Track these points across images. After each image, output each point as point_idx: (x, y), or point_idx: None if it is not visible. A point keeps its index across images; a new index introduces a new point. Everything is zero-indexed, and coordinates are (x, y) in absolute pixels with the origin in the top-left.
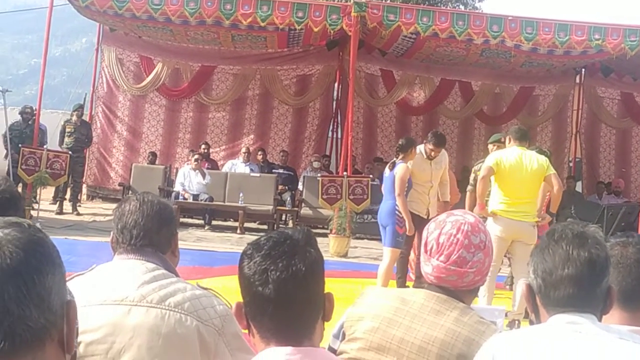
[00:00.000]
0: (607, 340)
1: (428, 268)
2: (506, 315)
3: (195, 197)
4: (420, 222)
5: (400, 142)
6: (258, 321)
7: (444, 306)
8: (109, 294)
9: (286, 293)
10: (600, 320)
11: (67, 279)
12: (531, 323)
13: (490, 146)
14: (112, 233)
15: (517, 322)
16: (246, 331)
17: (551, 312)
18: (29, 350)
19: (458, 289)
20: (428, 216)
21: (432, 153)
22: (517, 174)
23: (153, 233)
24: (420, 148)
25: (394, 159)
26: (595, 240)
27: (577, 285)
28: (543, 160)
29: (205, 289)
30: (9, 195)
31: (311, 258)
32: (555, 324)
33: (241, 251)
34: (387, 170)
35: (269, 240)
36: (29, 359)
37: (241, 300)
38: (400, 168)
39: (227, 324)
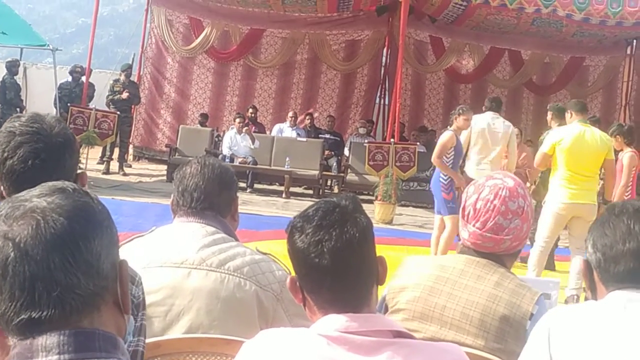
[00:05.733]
0: None
1: (465, 233)
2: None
3: (242, 161)
4: None
5: (452, 112)
6: (316, 293)
7: (484, 271)
8: (169, 256)
9: (343, 262)
10: None
11: (127, 240)
12: (587, 300)
13: (549, 113)
14: (172, 195)
15: (575, 296)
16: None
17: (610, 287)
18: (82, 316)
19: (497, 253)
20: None
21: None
22: (578, 151)
23: (214, 196)
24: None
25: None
26: None
27: (638, 260)
28: (607, 140)
29: (265, 253)
30: (63, 139)
31: (362, 224)
32: (613, 301)
33: (288, 217)
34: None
35: (318, 211)
36: (85, 323)
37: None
38: (443, 135)
39: (285, 290)
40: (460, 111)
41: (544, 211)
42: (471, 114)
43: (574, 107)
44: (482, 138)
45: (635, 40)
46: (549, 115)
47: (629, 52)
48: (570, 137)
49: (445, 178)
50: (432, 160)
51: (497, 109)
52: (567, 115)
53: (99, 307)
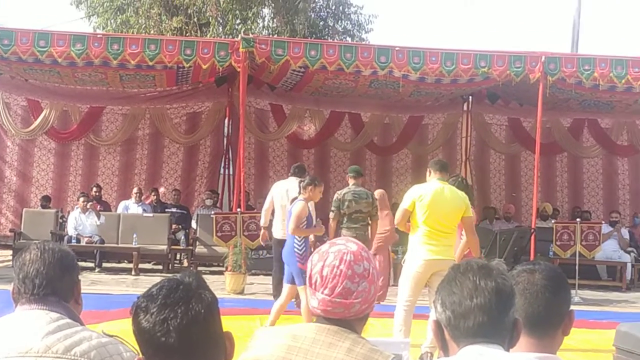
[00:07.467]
0: None
1: (314, 302)
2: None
3: (88, 240)
4: None
5: (301, 180)
6: None
7: (335, 338)
8: (13, 346)
9: (189, 339)
10: (507, 351)
11: None
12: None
13: (349, 176)
14: (13, 284)
15: (429, 354)
16: None
17: (461, 344)
18: None
19: (347, 318)
20: None
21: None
22: (437, 207)
23: (56, 282)
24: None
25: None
26: (500, 271)
27: (487, 314)
28: (464, 197)
29: (111, 336)
30: None
31: (207, 300)
32: (465, 356)
33: (138, 294)
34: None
35: (162, 289)
36: None
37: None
38: (296, 206)
39: None
40: (317, 182)
41: (404, 271)
42: (322, 186)
43: (433, 166)
44: (282, 201)
45: (470, 96)
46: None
47: (465, 108)
48: (431, 194)
49: (300, 248)
50: (290, 232)
51: (299, 174)
52: (427, 173)
53: None
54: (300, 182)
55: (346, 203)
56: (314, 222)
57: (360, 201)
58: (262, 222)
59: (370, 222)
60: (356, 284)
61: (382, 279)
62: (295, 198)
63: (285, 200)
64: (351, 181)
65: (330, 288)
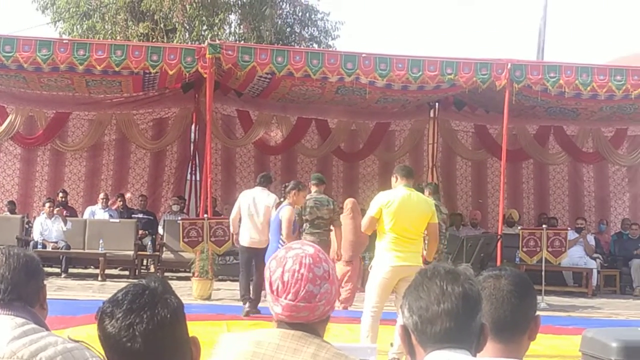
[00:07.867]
0: None
1: (277, 308)
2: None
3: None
4: None
5: (284, 185)
6: None
7: (300, 343)
8: None
9: (155, 344)
10: (474, 356)
11: None
12: None
13: (311, 183)
14: None
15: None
16: None
17: (428, 349)
18: None
19: (310, 322)
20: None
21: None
22: (404, 214)
23: (21, 287)
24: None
25: (281, 200)
26: (467, 276)
27: (454, 319)
28: (431, 203)
29: (77, 341)
30: None
31: (173, 305)
32: None
33: (105, 300)
34: (273, 212)
35: (127, 294)
36: None
37: None
38: (284, 211)
39: None
40: (300, 187)
41: (371, 277)
42: (307, 190)
43: (400, 172)
44: (249, 210)
45: (437, 103)
46: None
47: (432, 115)
48: (398, 200)
49: None
50: (285, 237)
51: (264, 184)
52: (393, 179)
53: None
54: (283, 187)
55: (308, 209)
56: (297, 226)
57: (322, 208)
58: (232, 230)
59: (333, 228)
60: (318, 287)
61: (352, 284)
62: (280, 203)
63: (252, 209)
64: (313, 188)
65: (293, 293)
